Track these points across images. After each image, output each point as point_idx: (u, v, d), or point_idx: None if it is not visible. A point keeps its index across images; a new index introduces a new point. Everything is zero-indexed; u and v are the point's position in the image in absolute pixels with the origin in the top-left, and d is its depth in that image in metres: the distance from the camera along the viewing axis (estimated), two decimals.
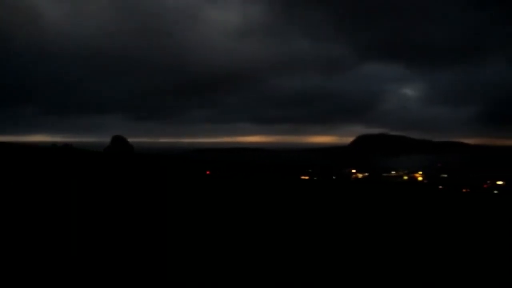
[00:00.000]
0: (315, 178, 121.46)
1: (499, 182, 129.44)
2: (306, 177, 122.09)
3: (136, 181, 27.67)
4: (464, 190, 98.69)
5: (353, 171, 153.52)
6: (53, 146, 61.96)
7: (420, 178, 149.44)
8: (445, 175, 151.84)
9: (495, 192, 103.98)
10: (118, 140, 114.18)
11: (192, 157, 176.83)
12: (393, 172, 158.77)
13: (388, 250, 10.74)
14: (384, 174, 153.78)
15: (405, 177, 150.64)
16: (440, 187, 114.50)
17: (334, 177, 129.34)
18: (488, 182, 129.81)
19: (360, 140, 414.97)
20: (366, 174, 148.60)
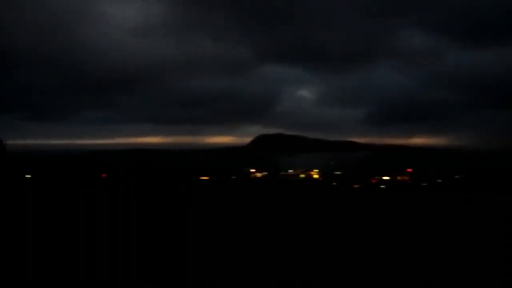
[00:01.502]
0: (214, 179, 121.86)
1: (386, 178, 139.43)
2: (206, 178, 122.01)
3: None
4: (355, 186, 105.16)
5: (252, 170, 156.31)
6: None
7: (316, 176, 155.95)
8: (339, 173, 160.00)
9: (382, 187, 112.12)
10: None
11: (88, 159, 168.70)
12: (290, 171, 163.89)
13: (285, 244, 11.09)
14: (282, 173, 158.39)
15: (302, 175, 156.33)
16: (334, 183, 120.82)
17: (233, 177, 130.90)
18: (376, 178, 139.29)
19: (259, 140, 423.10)
20: (265, 173, 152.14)
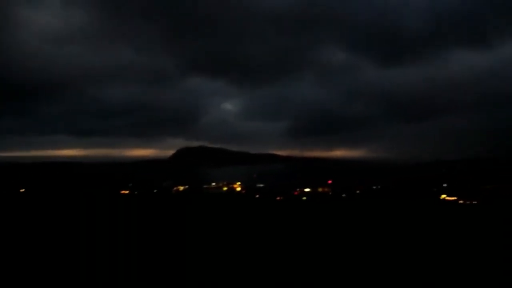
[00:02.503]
0: (135, 192, 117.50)
1: (307, 189, 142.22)
2: (126, 192, 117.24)
3: None
4: (278, 198, 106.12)
5: (174, 184, 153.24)
6: None
7: (238, 189, 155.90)
8: (261, 185, 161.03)
9: (304, 198, 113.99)
10: None
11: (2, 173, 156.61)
12: (213, 184, 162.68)
13: (205, 258, 10.05)
14: (205, 186, 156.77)
15: (225, 188, 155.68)
16: (257, 196, 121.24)
17: (155, 191, 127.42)
18: (298, 190, 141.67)
19: (181, 153, 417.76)
20: (187, 186, 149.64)
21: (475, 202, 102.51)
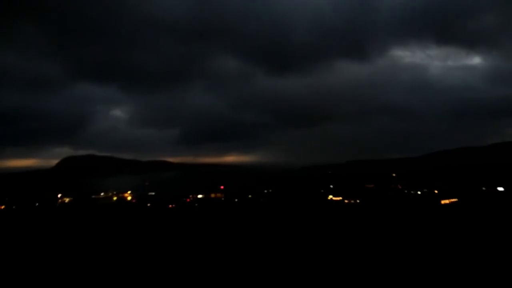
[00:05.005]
0: (13, 207, 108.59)
1: (200, 196, 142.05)
2: (2, 207, 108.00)
3: None
4: (170, 206, 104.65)
5: (59, 195, 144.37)
6: None
7: (129, 198, 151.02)
8: (153, 193, 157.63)
9: (196, 205, 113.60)
10: None
11: None
12: (102, 194, 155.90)
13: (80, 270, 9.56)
14: (93, 196, 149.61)
15: (115, 198, 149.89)
16: (149, 204, 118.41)
17: (37, 204, 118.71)
18: (190, 196, 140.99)
19: (66, 162, 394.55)
20: (73, 197, 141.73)
21: (358, 201, 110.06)
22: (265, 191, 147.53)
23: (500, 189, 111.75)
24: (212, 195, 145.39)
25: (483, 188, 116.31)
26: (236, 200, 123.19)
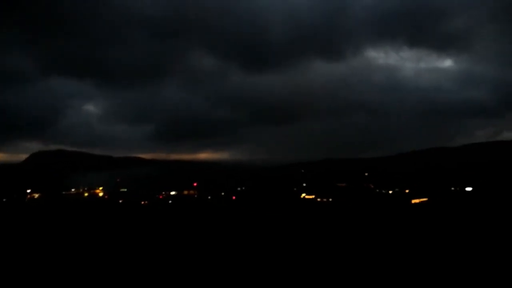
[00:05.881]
0: None
1: (173, 193, 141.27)
2: None
3: None
4: (142, 202, 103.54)
5: (28, 191, 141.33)
6: None
7: (101, 194, 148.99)
8: (125, 189, 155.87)
9: (170, 202, 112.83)
10: None
11: None
12: (73, 190, 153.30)
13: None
14: (64, 192, 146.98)
15: (86, 194, 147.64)
16: (121, 201, 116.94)
17: (4, 200, 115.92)
18: (163, 193, 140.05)
19: (36, 157, 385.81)
20: (43, 193, 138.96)
21: (331, 199, 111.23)
22: (239, 188, 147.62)
23: (468, 189, 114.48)
24: (185, 192, 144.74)
25: (452, 188, 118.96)
26: (209, 197, 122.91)
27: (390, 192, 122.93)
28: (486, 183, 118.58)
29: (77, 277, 9.78)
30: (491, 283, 11.97)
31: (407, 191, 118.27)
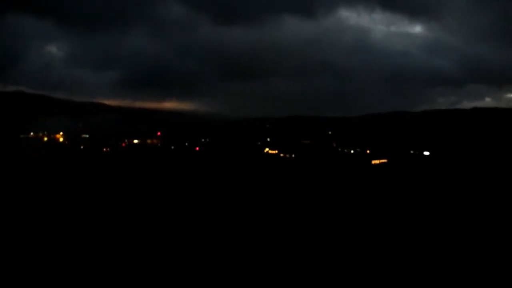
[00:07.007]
0: None
1: (136, 141, 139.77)
2: None
3: None
4: (104, 150, 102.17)
5: None
6: None
7: (61, 139, 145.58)
8: (87, 136, 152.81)
9: (132, 150, 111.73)
10: None
11: None
12: (31, 133, 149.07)
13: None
14: (22, 136, 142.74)
15: (45, 138, 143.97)
16: (82, 147, 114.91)
17: None
18: (126, 141, 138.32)
19: None
20: None
21: (293, 155, 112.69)
22: (203, 140, 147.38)
23: (426, 153, 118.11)
24: (149, 141, 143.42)
25: (411, 152, 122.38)
26: (172, 147, 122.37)
27: (352, 151, 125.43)
28: (443, 148, 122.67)
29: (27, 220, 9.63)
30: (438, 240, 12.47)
31: (368, 151, 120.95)
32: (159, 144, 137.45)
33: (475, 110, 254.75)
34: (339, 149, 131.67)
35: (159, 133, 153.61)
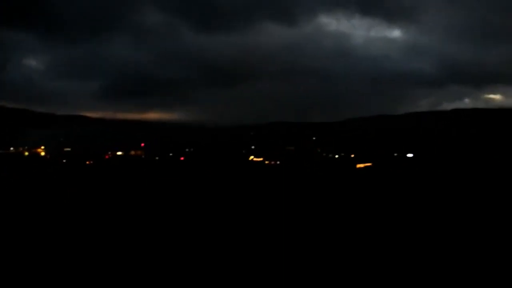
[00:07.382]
0: None
1: (119, 153, 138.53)
2: None
3: None
4: (87, 163, 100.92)
5: None
6: None
7: (43, 153, 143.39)
8: (69, 149, 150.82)
9: (116, 162, 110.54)
10: None
11: None
12: (11, 148, 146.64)
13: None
14: (1, 151, 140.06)
15: (26, 153, 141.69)
16: (64, 160, 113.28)
17: None
18: (109, 153, 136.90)
19: None
20: None
21: (279, 162, 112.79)
22: (187, 149, 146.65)
23: (410, 155, 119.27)
24: (132, 153, 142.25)
25: (395, 154, 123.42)
26: (156, 158, 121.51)
27: (336, 156, 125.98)
28: (425, 150, 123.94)
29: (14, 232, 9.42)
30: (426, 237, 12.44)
31: (352, 156, 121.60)
32: (143, 156, 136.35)
33: (455, 111, 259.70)
34: (324, 154, 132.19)
35: (142, 144, 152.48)
